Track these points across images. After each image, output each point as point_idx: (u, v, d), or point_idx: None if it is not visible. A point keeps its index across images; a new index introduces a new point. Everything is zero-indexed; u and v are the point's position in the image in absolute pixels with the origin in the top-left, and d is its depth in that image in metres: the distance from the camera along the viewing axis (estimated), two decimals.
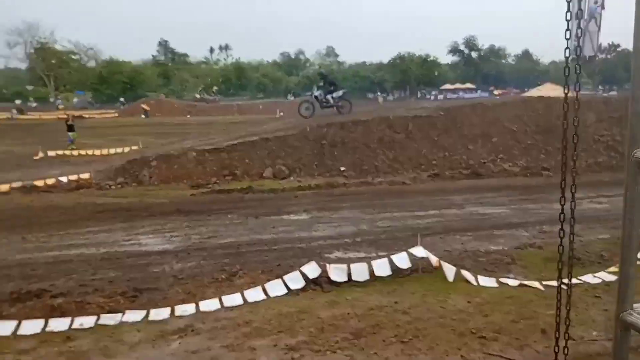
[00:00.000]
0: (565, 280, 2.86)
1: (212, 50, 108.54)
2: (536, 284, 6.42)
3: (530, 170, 15.46)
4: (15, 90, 66.07)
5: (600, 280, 6.50)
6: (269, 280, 6.47)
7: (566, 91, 2.64)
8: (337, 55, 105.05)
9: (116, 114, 53.60)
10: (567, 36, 2.70)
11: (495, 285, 6.43)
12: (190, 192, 12.97)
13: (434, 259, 6.81)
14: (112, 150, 21.29)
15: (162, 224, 9.91)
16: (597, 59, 25.47)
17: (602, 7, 22.52)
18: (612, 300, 5.90)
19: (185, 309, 5.61)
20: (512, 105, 18.80)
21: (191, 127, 35.62)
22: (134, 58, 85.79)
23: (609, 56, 79.56)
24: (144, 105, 53.00)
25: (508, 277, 6.72)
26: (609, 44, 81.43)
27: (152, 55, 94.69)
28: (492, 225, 9.66)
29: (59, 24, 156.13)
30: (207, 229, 9.49)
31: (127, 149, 21.02)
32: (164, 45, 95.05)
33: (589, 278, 6.56)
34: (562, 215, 2.75)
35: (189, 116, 53.10)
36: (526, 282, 6.50)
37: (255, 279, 6.64)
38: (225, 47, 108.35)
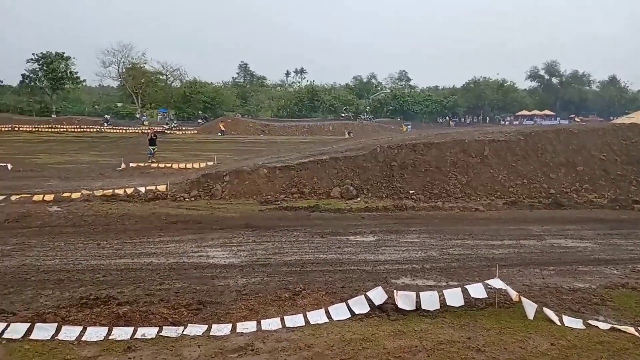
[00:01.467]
0: None
1: (288, 73, 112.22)
2: (631, 330, 5.69)
3: (619, 202, 14.14)
4: (106, 106, 71.71)
5: None
6: (332, 302, 6.26)
7: None
8: (409, 79, 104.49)
9: (195, 131, 56.39)
10: None
11: (583, 327, 5.78)
12: (259, 208, 13.13)
13: (513, 293, 6.26)
14: (189, 165, 22.25)
15: (230, 237, 10.05)
16: None
17: None
18: None
19: (247, 327, 5.52)
20: (601, 132, 17.45)
21: (264, 145, 36.61)
22: (216, 79, 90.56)
23: None
24: (221, 124, 55.39)
25: (597, 320, 6.03)
26: None
27: (232, 77, 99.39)
28: (576, 260, 8.84)
29: (151, 45, 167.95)
30: (273, 245, 9.49)
31: (202, 164, 21.88)
32: (243, 68, 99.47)
33: None
34: None
35: (262, 135, 54.76)
36: (619, 327, 5.78)
37: (319, 300, 6.46)
38: (301, 71, 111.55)
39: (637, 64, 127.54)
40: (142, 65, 73.69)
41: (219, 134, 51.98)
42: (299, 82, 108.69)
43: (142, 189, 14.56)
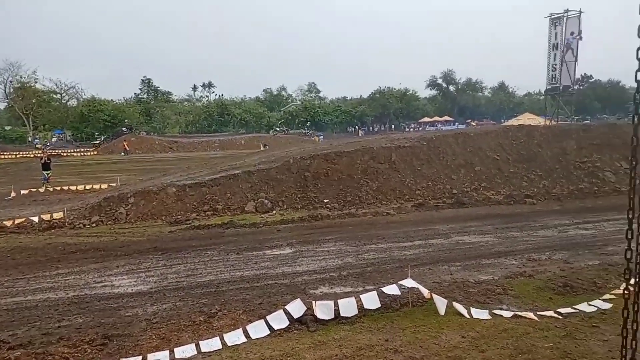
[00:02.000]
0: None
1: (195, 88, 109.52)
2: (531, 315, 6.15)
3: (513, 198, 15.40)
4: None
5: (595, 309, 6.27)
6: (250, 320, 6.08)
7: (636, 115, 2.26)
8: (318, 91, 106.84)
9: (95, 152, 52.93)
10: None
11: (489, 317, 6.14)
12: (169, 229, 12.50)
13: (425, 291, 6.50)
14: (89, 187, 20.70)
15: (137, 263, 9.42)
16: (573, 88, 26.09)
17: (580, 38, 23.31)
18: (610, 329, 5.64)
19: (158, 357, 5.16)
20: (494, 134, 18.96)
21: (172, 162, 35.19)
22: (117, 96, 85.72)
23: (581, 87, 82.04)
24: (124, 143, 52.56)
25: (501, 309, 6.44)
26: (581, 75, 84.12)
27: (135, 94, 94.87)
28: (479, 254, 9.43)
29: (42, 63, 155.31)
30: (185, 267, 9.04)
31: (104, 186, 20.48)
32: (147, 83, 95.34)
33: (584, 307, 6.31)
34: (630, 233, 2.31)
35: (170, 153, 52.78)
36: (520, 313, 6.22)
37: (236, 320, 6.23)
38: (209, 85, 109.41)
39: (521, 70, 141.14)
40: (32, 85, 67.73)
41: (122, 153, 49.32)
42: (207, 97, 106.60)
43: (35, 218, 13.24)
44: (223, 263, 9.28)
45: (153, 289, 7.81)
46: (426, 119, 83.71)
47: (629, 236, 2.36)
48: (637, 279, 2.50)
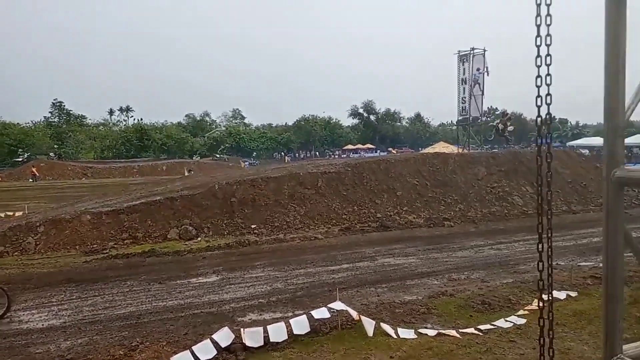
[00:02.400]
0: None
1: (111, 112, 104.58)
2: (453, 332, 6.42)
3: (433, 221, 16.17)
4: None
5: (511, 325, 6.68)
6: (175, 352, 5.78)
7: (540, 144, 2.43)
8: (243, 117, 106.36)
9: None
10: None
11: (415, 336, 6.33)
12: (84, 259, 11.65)
13: (353, 313, 6.58)
14: None
15: (48, 296, 8.67)
16: (481, 119, 28.25)
17: (487, 74, 25.44)
18: (525, 343, 6.04)
19: None
20: (413, 161, 19.89)
21: (87, 189, 33.05)
22: (25, 120, 79.62)
23: (489, 118, 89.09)
24: (33, 168, 48.64)
25: (426, 327, 6.67)
26: (488, 107, 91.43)
27: (45, 117, 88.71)
28: (404, 275, 9.75)
29: None
30: (103, 299, 8.45)
31: (9, 214, 18.74)
32: (58, 106, 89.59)
33: (501, 323, 6.71)
34: (540, 246, 2.44)
35: (84, 178, 49.66)
36: (444, 331, 6.48)
37: (159, 352, 5.90)
38: (127, 109, 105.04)
39: (436, 102, 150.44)
40: None
41: (31, 179, 45.58)
42: (125, 121, 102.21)
43: None
44: (144, 293, 8.79)
45: (67, 323, 7.20)
46: (350, 147, 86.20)
47: (540, 249, 2.58)
48: (550, 291, 2.72)
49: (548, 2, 1.95)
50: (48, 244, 12.78)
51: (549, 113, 2.17)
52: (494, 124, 25.65)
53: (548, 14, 1.97)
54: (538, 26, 1.97)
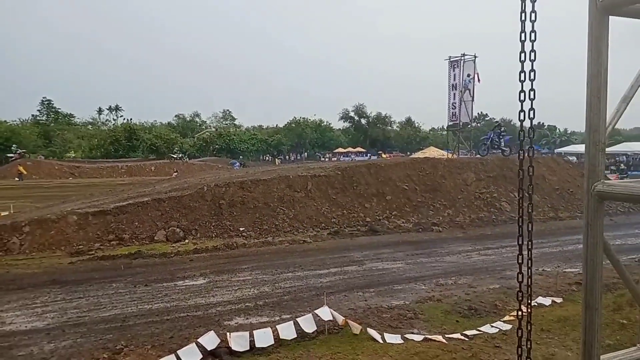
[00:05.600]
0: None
1: (100, 111, 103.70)
2: (440, 338, 6.45)
3: (421, 226, 16.24)
4: None
5: (497, 330, 6.73)
6: (160, 356, 5.74)
7: (524, 151, 2.45)
8: (234, 119, 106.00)
9: None
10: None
11: (401, 341, 6.34)
12: (69, 260, 11.52)
13: (339, 318, 6.59)
14: None
15: (32, 297, 8.55)
16: (471, 125, 28.47)
17: (478, 80, 25.64)
18: (511, 349, 6.08)
19: None
20: (403, 166, 19.97)
21: (74, 189, 32.69)
22: (11, 117, 78.76)
23: (479, 124, 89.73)
24: (20, 167, 48.00)
25: (412, 333, 6.69)
26: (478, 113, 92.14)
27: (32, 115, 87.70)
28: (391, 280, 9.77)
29: None
30: (88, 301, 8.36)
31: None
32: (46, 104, 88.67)
33: (487, 328, 6.75)
34: (520, 257, 2.48)
35: (71, 178, 49.13)
36: (430, 337, 6.50)
37: (144, 356, 5.86)
38: (116, 108, 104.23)
39: (426, 107, 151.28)
40: None
41: (17, 178, 44.98)
42: (114, 120, 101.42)
43: None
44: (130, 296, 8.71)
45: (50, 325, 7.11)
46: (340, 150, 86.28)
47: (520, 260, 2.61)
48: (529, 302, 2.76)
49: (532, 18, 1.98)
50: (33, 244, 12.62)
51: (531, 127, 2.21)
52: (485, 139, 25.11)
53: (533, 30, 2.00)
54: (522, 42, 2.00)
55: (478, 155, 24.18)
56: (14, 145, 62.27)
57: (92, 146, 75.72)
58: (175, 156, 68.34)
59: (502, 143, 24.06)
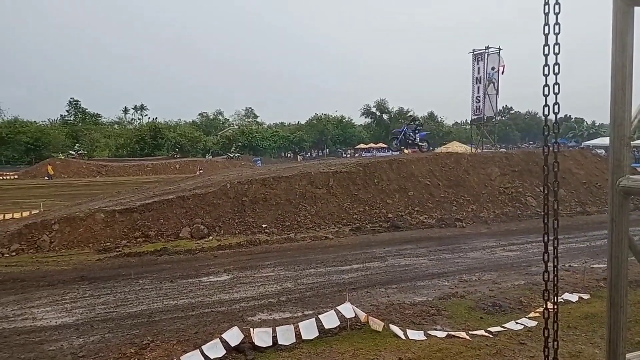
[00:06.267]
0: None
1: (126, 110, 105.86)
2: (463, 334, 6.39)
3: (444, 221, 16.07)
4: None
5: (522, 327, 6.62)
6: (185, 351, 5.84)
7: (549, 144, 2.42)
8: (256, 116, 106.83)
9: (15, 176, 49.29)
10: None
11: (424, 337, 6.31)
12: (97, 257, 11.82)
13: (361, 315, 6.58)
14: (8, 216, 19.15)
15: (61, 294, 8.81)
16: (495, 119, 28.01)
17: (502, 72, 25.20)
18: (536, 346, 5.99)
19: None
20: (425, 161, 19.79)
21: (101, 187, 33.49)
22: (41, 118, 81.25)
23: (503, 118, 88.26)
24: (49, 167, 49.41)
25: (435, 329, 6.65)
26: (503, 106, 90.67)
27: (61, 115, 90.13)
28: (414, 276, 9.71)
29: None
30: (115, 297, 8.57)
31: (25, 213, 19.05)
32: (74, 104, 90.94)
33: (512, 325, 6.66)
34: (546, 255, 2.44)
35: (99, 177, 50.30)
36: (453, 333, 6.45)
37: (170, 351, 5.97)
38: (141, 108, 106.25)
39: (450, 102, 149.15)
40: None
41: (46, 177, 46.31)
42: (139, 119, 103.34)
43: None
44: (156, 292, 8.89)
45: (79, 321, 7.31)
46: (362, 146, 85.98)
47: (546, 259, 2.56)
48: (555, 300, 2.70)
49: (557, 10, 1.93)
50: (62, 241, 12.98)
51: (556, 122, 2.16)
52: (397, 132, 23.88)
53: (557, 23, 1.95)
54: (546, 35, 1.96)
55: (501, 149, 23.69)
56: (76, 145, 64.14)
57: (119, 145, 77.35)
58: (232, 155, 68.82)
59: (418, 138, 23.13)
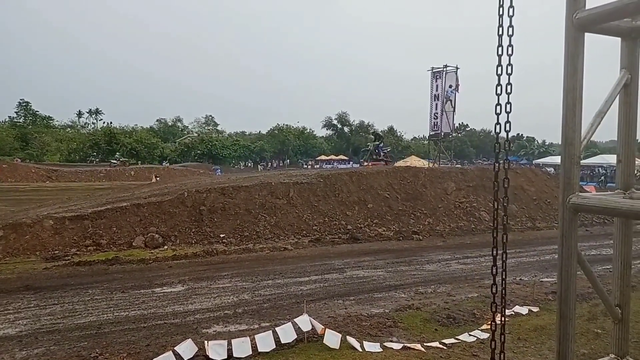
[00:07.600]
0: None
1: (80, 114, 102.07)
2: (418, 346, 6.47)
3: (402, 234, 16.33)
4: None
5: (475, 339, 6.78)
6: None
7: (499, 161, 2.49)
8: (216, 124, 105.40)
9: None
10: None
11: (380, 350, 6.34)
12: (44, 266, 11.26)
13: (319, 327, 6.56)
14: None
15: (4, 304, 8.33)
16: (452, 135, 28.92)
17: (457, 91, 26.08)
18: (487, 358, 6.12)
19: None
20: (384, 174, 20.09)
21: (51, 193, 32.02)
22: None
23: (459, 134, 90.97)
24: None
25: (391, 341, 6.70)
26: (459, 123, 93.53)
27: (9, 117, 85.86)
28: (372, 288, 9.78)
29: None
30: (62, 308, 8.17)
31: None
32: (24, 106, 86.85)
33: (465, 337, 6.80)
34: (494, 269, 2.51)
35: (48, 182, 48.13)
36: (409, 345, 6.52)
37: None
38: (96, 112, 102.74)
39: (409, 117, 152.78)
40: None
41: None
42: (93, 124, 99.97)
43: None
44: (106, 302, 8.54)
45: (23, 332, 6.93)
46: (323, 157, 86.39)
47: (494, 272, 2.65)
48: (503, 312, 2.79)
49: (510, 32, 2.02)
50: (7, 249, 12.30)
51: (507, 140, 2.25)
52: (365, 150, 27.74)
53: (510, 45, 2.04)
54: (499, 56, 2.04)
55: (457, 165, 25.01)
56: (117, 154, 60.22)
57: (71, 150, 74.33)
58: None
59: (381, 154, 26.27)
